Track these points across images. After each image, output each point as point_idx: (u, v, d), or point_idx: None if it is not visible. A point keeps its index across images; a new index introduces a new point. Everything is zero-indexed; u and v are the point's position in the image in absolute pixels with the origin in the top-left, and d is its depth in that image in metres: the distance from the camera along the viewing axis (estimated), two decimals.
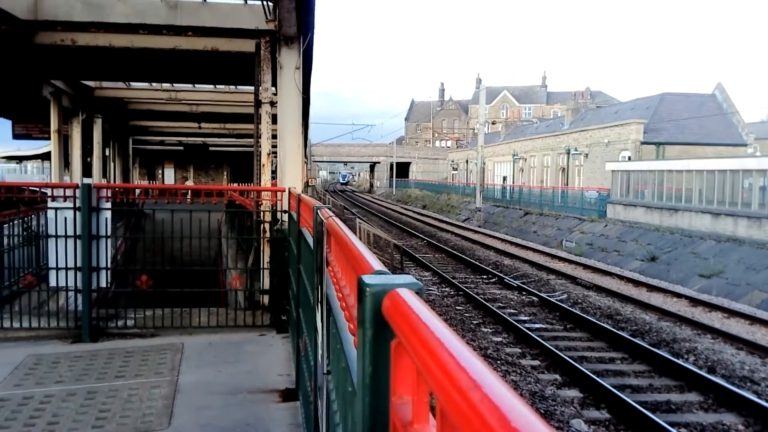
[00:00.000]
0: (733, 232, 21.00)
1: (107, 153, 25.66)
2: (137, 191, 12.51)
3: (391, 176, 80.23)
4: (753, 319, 13.36)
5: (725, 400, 8.32)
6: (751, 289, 16.71)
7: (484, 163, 43.44)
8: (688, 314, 13.71)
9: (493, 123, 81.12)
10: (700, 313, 14.10)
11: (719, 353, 10.71)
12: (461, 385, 0.64)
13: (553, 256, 23.28)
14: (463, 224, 37.30)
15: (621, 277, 18.71)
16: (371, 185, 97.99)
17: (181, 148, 40.14)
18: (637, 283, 17.78)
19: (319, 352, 2.68)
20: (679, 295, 15.98)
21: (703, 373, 9.25)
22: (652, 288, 17.06)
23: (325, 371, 2.46)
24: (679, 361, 9.82)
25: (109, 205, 7.18)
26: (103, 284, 6.92)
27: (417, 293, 1.03)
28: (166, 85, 19.05)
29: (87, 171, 20.44)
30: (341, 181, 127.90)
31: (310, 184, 46.38)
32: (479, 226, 35.86)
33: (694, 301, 15.29)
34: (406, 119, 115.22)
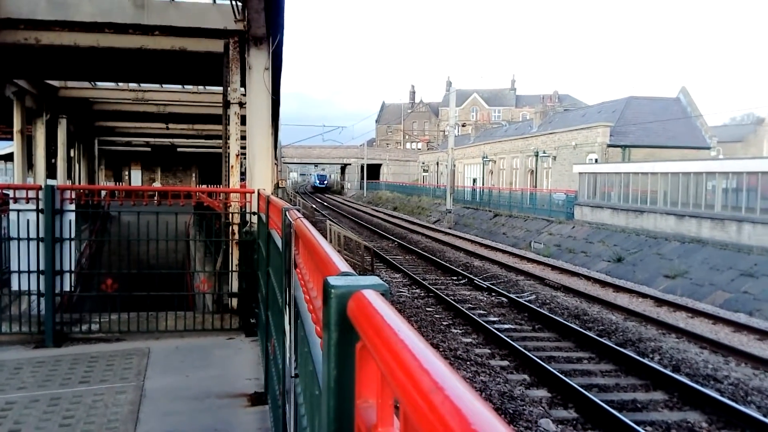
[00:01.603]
0: (697, 234, 21.46)
1: (72, 154, 25.14)
2: (103, 193, 12.30)
3: (362, 178, 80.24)
4: (716, 319, 13.67)
5: (689, 399, 8.48)
6: (714, 289, 17.09)
7: (455, 165, 43.67)
8: (654, 314, 13.97)
9: (464, 125, 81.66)
10: (665, 313, 14.37)
11: (684, 352, 10.93)
12: (423, 387, 0.63)
13: (522, 258, 23.51)
14: (433, 226, 37.46)
15: (588, 278, 18.98)
16: (342, 187, 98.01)
17: (148, 149, 39.60)
18: (603, 284, 18.06)
19: (287, 355, 2.66)
20: (644, 296, 16.27)
21: (668, 372, 9.42)
22: (618, 288, 17.34)
23: (292, 375, 2.44)
24: (645, 361, 9.99)
25: (73, 207, 7.03)
26: (67, 288, 6.78)
27: (382, 295, 1.03)
28: (132, 85, 18.76)
29: (51, 172, 20.00)
30: (317, 184, 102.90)
31: (280, 185, 46.11)
32: (450, 228, 36.05)
33: (659, 301, 15.58)
34: (376, 121, 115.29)
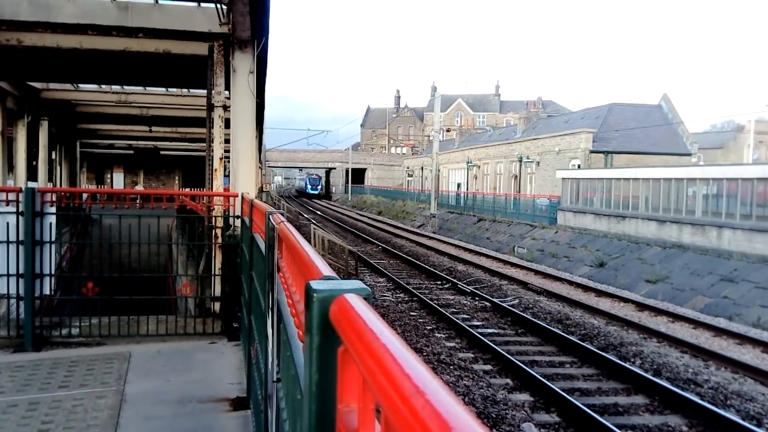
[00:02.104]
0: (678, 239, 21.69)
1: (54, 156, 24.89)
2: (84, 196, 12.18)
3: (347, 182, 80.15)
4: (697, 323, 13.81)
5: (670, 403, 8.56)
6: (695, 293, 17.28)
7: (439, 170, 43.79)
8: (635, 318, 14.08)
9: (448, 130, 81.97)
10: (646, 318, 14.49)
11: (665, 356, 11.03)
12: (404, 391, 0.63)
13: (505, 262, 23.61)
14: (418, 230, 37.51)
15: (571, 283, 19.10)
16: (327, 191, 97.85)
17: (131, 152, 39.25)
18: (586, 288, 18.18)
19: (270, 359, 2.65)
20: (626, 300, 16.40)
21: (649, 376, 9.50)
22: (600, 293, 17.47)
23: (275, 379, 2.43)
24: (626, 365, 10.07)
25: (53, 210, 6.96)
26: (47, 291, 6.71)
27: (365, 299, 1.03)
28: (116, 88, 18.62)
29: (32, 175, 19.77)
30: (309, 189, 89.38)
31: (264, 189, 45.92)
32: (434, 233, 36.12)
33: (641, 306, 15.71)
34: (362, 125, 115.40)
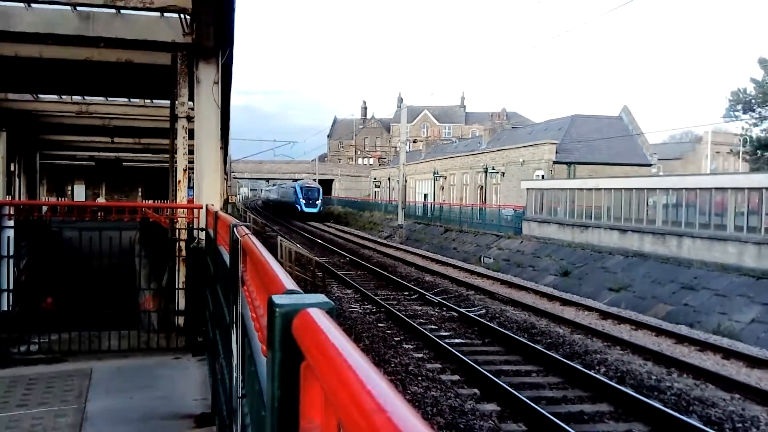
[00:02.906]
0: (640, 248, 22.11)
1: (12, 168, 24.24)
2: (44, 208, 11.89)
3: None
4: (659, 331, 14.07)
5: (634, 410, 8.68)
6: (656, 301, 17.62)
7: (406, 181, 43.97)
8: (599, 327, 14.29)
9: (415, 141, 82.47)
10: (609, 326, 14.72)
11: (628, 364, 11.20)
12: (365, 408, 0.63)
13: (472, 272, 23.76)
14: (385, 241, 37.54)
15: (536, 292, 19.31)
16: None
17: (92, 163, 38.47)
18: (551, 298, 18.40)
19: (235, 375, 2.61)
20: (590, 309, 16.64)
21: (613, 383, 9.63)
22: (565, 302, 17.69)
23: (239, 395, 2.40)
24: (591, 373, 10.20)
25: (11, 223, 6.78)
26: (5, 307, 6.51)
27: (328, 313, 1.02)
28: (76, 98, 18.24)
29: None
30: (305, 207, 57.37)
31: (230, 201, 45.44)
32: (401, 243, 36.19)
33: (604, 314, 15.96)
34: (328, 136, 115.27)
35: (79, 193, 46.47)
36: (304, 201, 58.65)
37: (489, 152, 42.74)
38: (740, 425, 8.42)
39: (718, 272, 17.58)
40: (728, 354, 12.13)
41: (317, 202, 59.43)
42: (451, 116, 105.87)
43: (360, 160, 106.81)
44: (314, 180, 67.20)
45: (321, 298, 1.11)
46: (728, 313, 15.40)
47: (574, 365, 10.53)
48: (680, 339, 13.38)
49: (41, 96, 18.10)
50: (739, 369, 11.26)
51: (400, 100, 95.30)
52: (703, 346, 12.73)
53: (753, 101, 48.35)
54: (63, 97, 18.16)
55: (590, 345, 12.55)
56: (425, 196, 52.95)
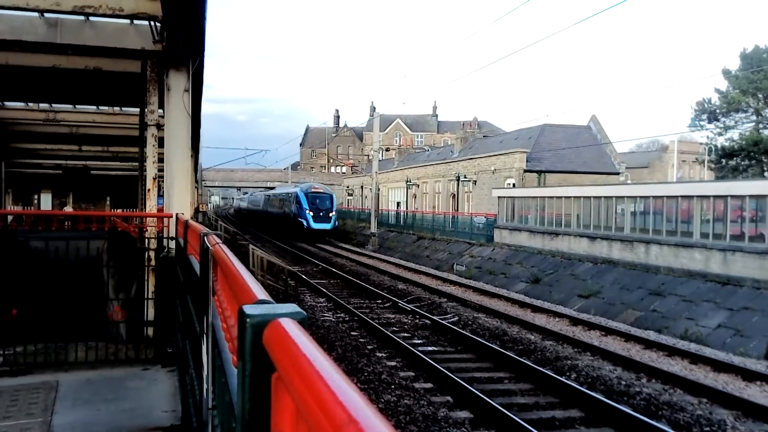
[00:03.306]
0: (608, 255, 22.43)
1: None
2: (9, 218, 11.62)
3: None
4: (628, 337, 14.26)
5: (605, 415, 8.77)
6: (625, 308, 17.87)
7: (379, 189, 44.01)
8: (570, 333, 14.43)
9: (387, 150, 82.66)
10: (580, 332, 14.87)
11: (598, 369, 11.32)
12: (336, 420, 0.62)
13: (444, 280, 23.83)
14: (358, 249, 37.49)
15: (508, 299, 19.44)
16: None
17: (59, 171, 37.76)
18: (522, 305, 18.54)
19: (205, 386, 2.57)
20: (561, 315, 16.80)
21: (583, 389, 9.72)
22: (536, 309, 17.84)
23: (210, 406, 2.36)
24: (562, 379, 10.28)
25: None
26: None
27: (300, 323, 1.01)
28: (44, 105, 17.91)
29: None
30: (312, 224, 41.09)
31: (201, 209, 44.93)
32: (374, 251, 36.17)
33: (575, 321, 16.13)
34: (301, 145, 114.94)
35: (46, 202, 45.57)
36: (311, 214, 41.55)
37: (461, 161, 43.03)
38: (707, 429, 8.56)
39: (684, 278, 17.91)
40: (696, 359, 12.34)
41: (330, 215, 42.60)
42: (424, 125, 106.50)
43: (333, 169, 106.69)
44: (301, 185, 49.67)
45: (293, 307, 1.10)
46: (695, 319, 15.69)
47: (546, 371, 10.61)
48: (649, 344, 13.57)
49: (7, 103, 17.74)
50: (706, 373, 11.46)
51: (373, 109, 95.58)
52: (671, 352, 12.94)
53: (717, 111, 49.56)
54: (30, 104, 17.82)
55: (561, 351, 12.67)
56: (398, 204, 53.07)
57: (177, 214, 7.02)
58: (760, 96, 47.36)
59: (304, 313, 1.07)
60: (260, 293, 1.34)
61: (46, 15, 8.59)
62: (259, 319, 1.04)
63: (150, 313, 7.37)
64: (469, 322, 15.43)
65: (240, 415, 1.06)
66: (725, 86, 49.01)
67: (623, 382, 10.56)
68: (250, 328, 1.03)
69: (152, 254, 7.50)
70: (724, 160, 47.09)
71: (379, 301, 18.42)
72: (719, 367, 11.78)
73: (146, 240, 7.71)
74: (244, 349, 1.04)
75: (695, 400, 9.76)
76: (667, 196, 20.77)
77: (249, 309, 1.08)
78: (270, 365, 0.96)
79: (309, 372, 0.76)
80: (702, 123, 50.69)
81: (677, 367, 11.84)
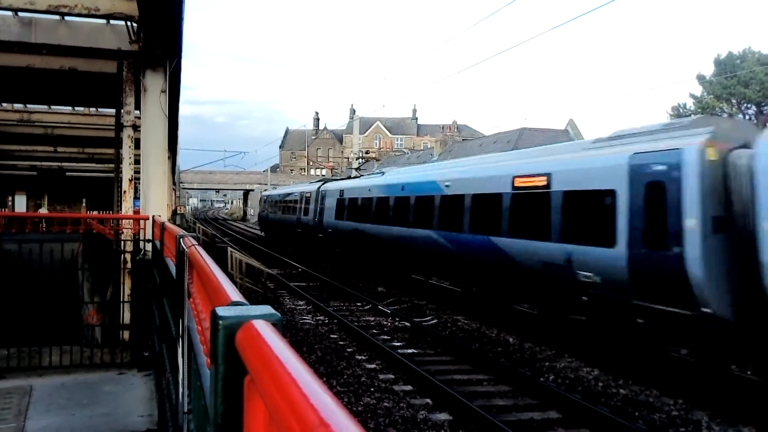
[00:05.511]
0: None
1: None
2: None
3: None
4: None
5: (582, 416, 8.83)
6: None
7: None
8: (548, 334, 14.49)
9: (367, 152, 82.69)
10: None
11: (576, 371, 11.40)
12: (308, 424, 0.61)
13: (424, 281, 23.83)
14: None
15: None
16: (245, 213, 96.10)
17: (34, 173, 37.20)
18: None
19: (181, 390, 2.54)
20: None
21: (561, 391, 9.78)
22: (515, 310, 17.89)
23: (186, 410, 2.33)
24: (541, 380, 10.34)
25: None
26: None
27: (274, 325, 0.99)
28: (18, 106, 17.66)
29: None
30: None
31: (179, 212, 44.52)
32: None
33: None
34: (280, 147, 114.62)
35: (20, 204, 44.83)
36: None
37: (440, 163, 43.16)
38: (683, 429, 8.66)
39: None
40: None
41: None
42: (403, 128, 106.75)
43: (313, 171, 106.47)
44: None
45: (266, 309, 1.09)
46: None
47: (524, 373, 10.66)
48: None
49: None
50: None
51: (353, 112, 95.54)
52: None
53: (692, 116, 50.32)
54: (3, 104, 17.55)
55: (539, 353, 12.73)
56: None
57: (153, 216, 6.94)
58: (734, 101, 48.20)
59: (279, 314, 1.06)
60: (234, 295, 1.32)
61: (20, 14, 8.48)
62: (231, 321, 1.02)
63: (126, 317, 7.28)
64: (449, 325, 15.46)
65: (212, 418, 1.04)
66: (700, 91, 49.82)
67: (600, 384, 10.64)
68: (222, 330, 1.02)
69: (128, 257, 7.41)
70: None
71: (359, 304, 18.40)
72: None
73: (122, 242, 7.61)
74: (217, 352, 1.03)
75: (671, 400, 9.87)
76: None
77: (222, 311, 1.07)
78: (242, 368, 0.95)
79: (280, 374, 0.74)
80: None
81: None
